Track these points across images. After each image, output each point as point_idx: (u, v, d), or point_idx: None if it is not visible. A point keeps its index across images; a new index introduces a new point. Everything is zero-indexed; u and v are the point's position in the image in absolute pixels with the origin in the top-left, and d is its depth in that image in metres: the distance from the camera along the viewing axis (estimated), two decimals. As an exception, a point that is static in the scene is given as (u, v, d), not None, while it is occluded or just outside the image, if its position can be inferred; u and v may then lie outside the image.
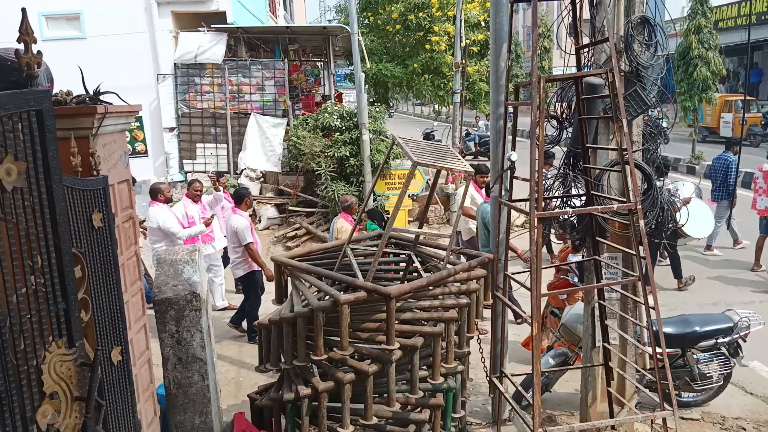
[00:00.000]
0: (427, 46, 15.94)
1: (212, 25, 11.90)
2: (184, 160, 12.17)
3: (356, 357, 3.67)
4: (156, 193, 6.78)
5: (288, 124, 12.02)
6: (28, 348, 1.73)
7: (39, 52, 1.87)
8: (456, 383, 3.97)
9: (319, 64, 17.72)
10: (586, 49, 4.28)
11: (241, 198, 6.78)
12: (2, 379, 1.59)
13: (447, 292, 3.88)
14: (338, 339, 3.45)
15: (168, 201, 6.96)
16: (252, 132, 11.83)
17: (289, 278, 4.18)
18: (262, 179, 12.05)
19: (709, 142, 21.02)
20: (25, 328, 1.72)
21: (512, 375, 4.36)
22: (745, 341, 5.08)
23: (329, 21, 23.15)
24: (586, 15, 4.23)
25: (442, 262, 4.06)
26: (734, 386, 5.36)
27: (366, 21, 17.49)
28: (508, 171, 4.11)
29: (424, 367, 3.83)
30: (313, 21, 30.54)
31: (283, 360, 3.85)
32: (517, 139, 4.19)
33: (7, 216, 1.62)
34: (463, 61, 13.62)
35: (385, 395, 3.57)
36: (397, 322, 3.53)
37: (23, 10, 1.74)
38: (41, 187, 1.76)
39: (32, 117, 1.74)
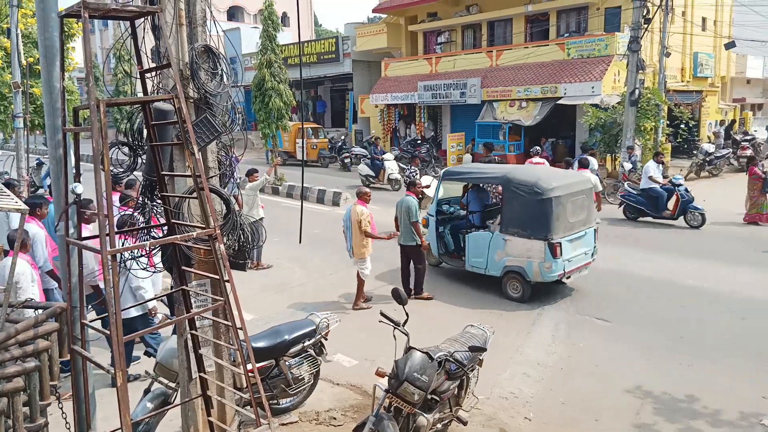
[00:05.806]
0: (-23, 61, 13.38)
1: None
2: None
3: None
4: None
5: None
6: None
7: None
8: (31, 464, 3.29)
9: None
10: (152, 74, 4.14)
11: None
12: None
13: (8, 358, 3.19)
14: None
15: None
16: None
17: None
18: None
19: (289, 165, 23.47)
20: None
21: (105, 433, 3.88)
22: (326, 339, 5.73)
23: None
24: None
25: (-4, 322, 3.32)
26: (324, 381, 5.99)
27: None
28: (74, 205, 3.63)
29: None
30: None
31: None
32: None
33: None
34: (26, 81, 11.85)
35: None
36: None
37: None
38: None
39: None
